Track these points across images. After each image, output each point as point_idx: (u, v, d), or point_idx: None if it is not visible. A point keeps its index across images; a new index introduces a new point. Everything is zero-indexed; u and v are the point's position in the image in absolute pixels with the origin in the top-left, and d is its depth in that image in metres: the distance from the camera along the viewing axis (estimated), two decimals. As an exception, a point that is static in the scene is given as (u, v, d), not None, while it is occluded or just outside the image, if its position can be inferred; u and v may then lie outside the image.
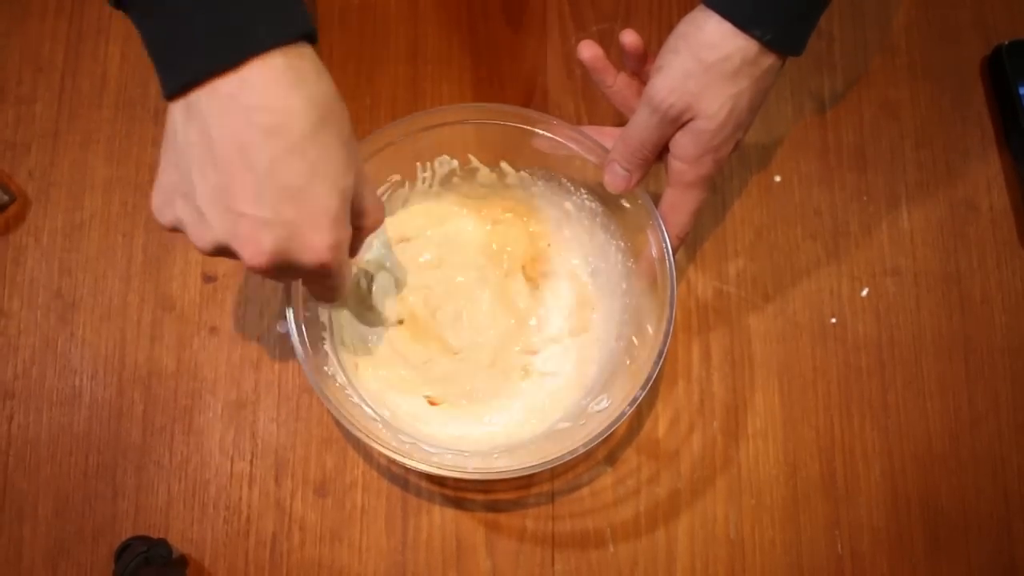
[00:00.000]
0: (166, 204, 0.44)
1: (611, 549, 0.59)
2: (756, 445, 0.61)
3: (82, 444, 0.60)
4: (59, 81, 0.67)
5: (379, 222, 0.49)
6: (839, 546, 0.59)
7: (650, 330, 0.56)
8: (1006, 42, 0.68)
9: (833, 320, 0.64)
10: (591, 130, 0.58)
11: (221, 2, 0.40)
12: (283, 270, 0.43)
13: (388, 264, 0.62)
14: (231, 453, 0.60)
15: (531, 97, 0.68)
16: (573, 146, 0.58)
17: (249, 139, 0.40)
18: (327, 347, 0.58)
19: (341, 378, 0.57)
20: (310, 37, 0.42)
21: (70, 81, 0.67)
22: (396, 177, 0.61)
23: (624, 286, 0.61)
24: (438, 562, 0.58)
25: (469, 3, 0.70)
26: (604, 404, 0.56)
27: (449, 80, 0.68)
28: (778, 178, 0.66)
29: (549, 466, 0.52)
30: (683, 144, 0.53)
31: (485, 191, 0.63)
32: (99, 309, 0.63)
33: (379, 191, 0.60)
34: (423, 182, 0.62)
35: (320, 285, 0.47)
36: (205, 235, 0.42)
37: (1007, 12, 0.70)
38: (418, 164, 0.61)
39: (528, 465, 0.53)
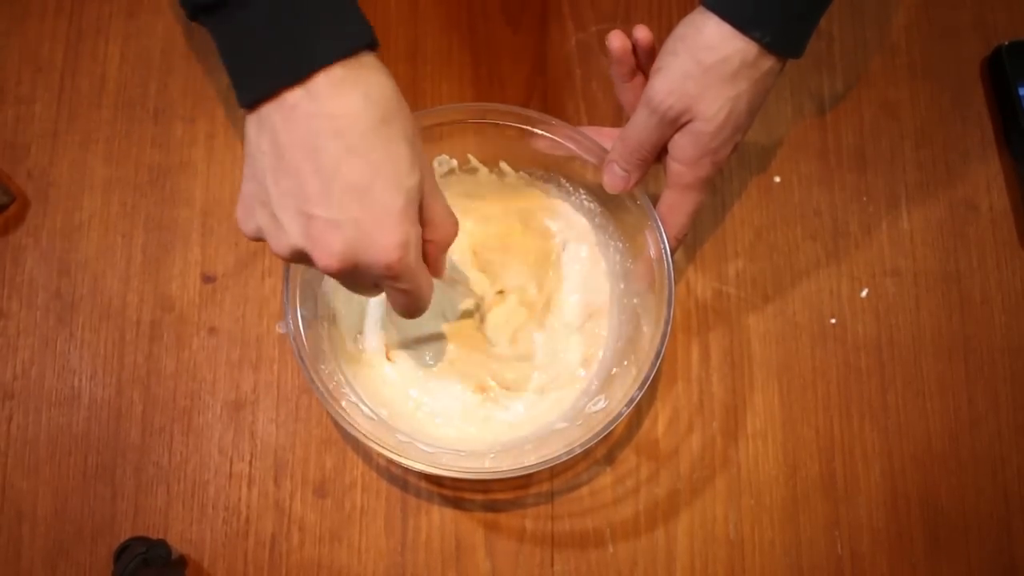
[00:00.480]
0: (248, 214, 0.46)
1: (610, 549, 0.59)
2: (756, 445, 0.61)
3: (81, 444, 0.60)
4: (58, 81, 0.67)
5: (449, 234, 0.48)
6: (839, 546, 0.59)
7: (648, 331, 0.56)
8: (1006, 42, 0.68)
9: (833, 320, 0.63)
10: (590, 130, 0.58)
11: (288, 17, 0.42)
12: (354, 272, 0.44)
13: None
14: (230, 454, 0.60)
15: (531, 97, 0.67)
16: (572, 146, 0.58)
17: (314, 143, 0.42)
18: (325, 347, 0.58)
19: (339, 378, 0.57)
20: (371, 46, 0.44)
21: (69, 81, 0.67)
22: None
23: (622, 287, 0.61)
24: (437, 562, 0.58)
25: (469, 3, 0.70)
26: (602, 404, 0.56)
27: (449, 80, 0.68)
28: (778, 179, 0.66)
29: (546, 466, 0.52)
30: (681, 146, 0.52)
31: (484, 191, 0.63)
32: (98, 309, 0.63)
33: None
34: None
35: (395, 291, 0.47)
36: (282, 240, 0.44)
37: (1007, 12, 0.70)
38: None
39: (524, 465, 0.53)
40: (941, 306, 0.64)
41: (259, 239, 0.46)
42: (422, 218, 0.46)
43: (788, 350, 0.63)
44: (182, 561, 0.58)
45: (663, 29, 0.68)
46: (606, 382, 0.58)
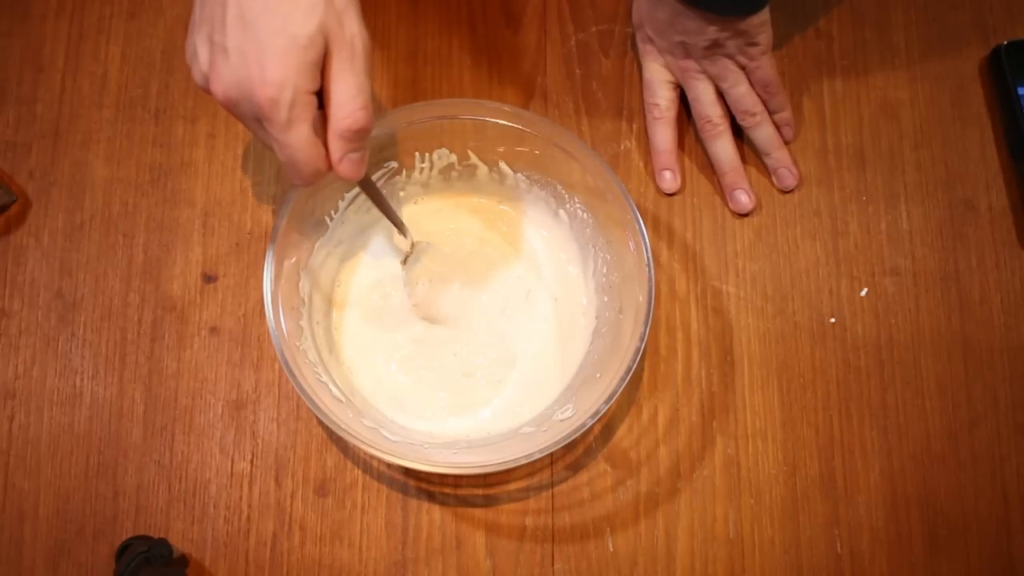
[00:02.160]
0: (189, 43, 0.48)
1: (611, 548, 0.59)
2: (755, 445, 0.61)
3: (83, 444, 0.60)
4: (60, 81, 0.67)
5: (351, 122, 0.46)
6: (838, 545, 0.60)
7: (624, 345, 0.56)
8: (1005, 42, 0.68)
9: (832, 320, 0.64)
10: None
11: None
12: (239, 107, 0.46)
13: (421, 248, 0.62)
14: (231, 453, 0.60)
15: (531, 97, 0.68)
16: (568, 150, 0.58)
17: None
18: (303, 323, 0.58)
19: (313, 355, 0.57)
20: None
21: (71, 81, 0.67)
22: (393, 164, 0.61)
23: (606, 299, 0.61)
24: (438, 562, 0.59)
25: (469, 3, 0.70)
26: (569, 413, 0.57)
27: (449, 80, 0.68)
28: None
29: (503, 467, 0.53)
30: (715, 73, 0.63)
31: (481, 190, 0.64)
32: (99, 309, 0.63)
33: (375, 176, 0.61)
34: (420, 172, 0.62)
35: (275, 144, 0.46)
36: (196, 69, 0.47)
37: (1006, 12, 0.70)
38: (416, 154, 0.61)
39: (485, 462, 0.53)
40: (940, 306, 0.64)
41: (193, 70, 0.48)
42: (325, 93, 0.46)
43: (788, 349, 0.63)
44: (183, 560, 0.58)
45: (663, 29, 0.68)
46: (577, 391, 0.58)
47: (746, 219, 0.65)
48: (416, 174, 0.62)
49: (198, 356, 0.62)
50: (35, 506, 0.59)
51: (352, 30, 0.46)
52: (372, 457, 0.60)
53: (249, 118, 0.47)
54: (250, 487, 0.60)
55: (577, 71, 0.68)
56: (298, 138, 0.46)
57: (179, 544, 0.58)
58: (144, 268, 0.63)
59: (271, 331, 0.54)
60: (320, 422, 0.61)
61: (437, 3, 0.70)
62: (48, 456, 0.60)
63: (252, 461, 0.60)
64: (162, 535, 0.58)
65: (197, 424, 0.61)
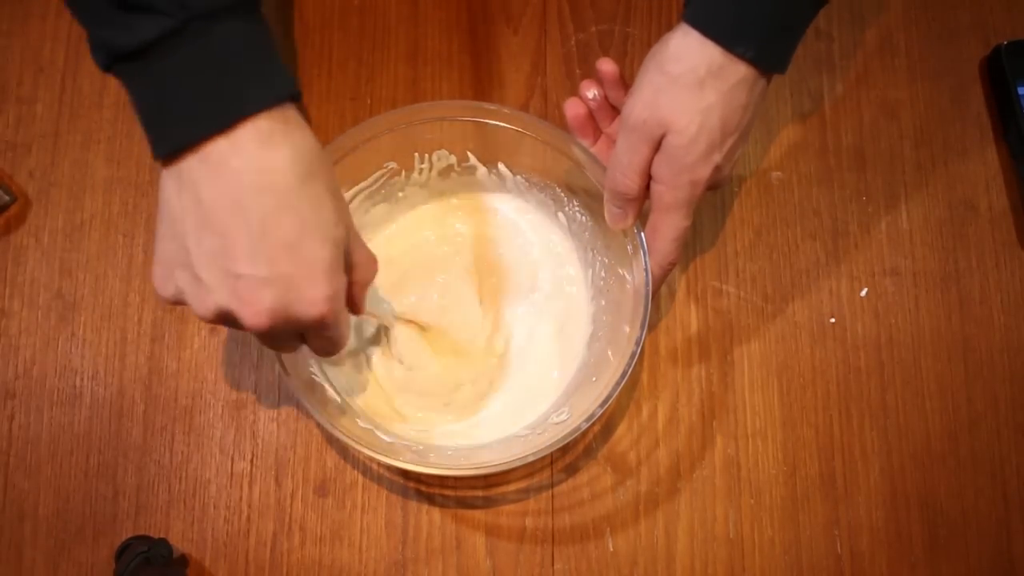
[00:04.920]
0: (166, 277, 0.44)
1: (611, 548, 0.59)
2: (755, 445, 0.61)
3: (83, 444, 0.60)
4: (60, 81, 0.67)
5: (371, 274, 0.49)
6: (838, 546, 0.60)
7: (620, 349, 0.55)
8: (1005, 42, 0.68)
9: (832, 320, 0.64)
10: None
11: (209, 69, 0.41)
12: (283, 328, 0.44)
13: (394, 314, 0.61)
14: (231, 453, 0.60)
15: (531, 97, 0.68)
16: (570, 153, 0.58)
17: (242, 200, 0.41)
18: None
19: (310, 356, 0.57)
20: (294, 97, 0.43)
21: (71, 81, 0.67)
22: (393, 164, 0.61)
23: (603, 303, 0.61)
24: (438, 561, 0.59)
25: (469, 3, 0.70)
26: (564, 417, 0.57)
27: (449, 80, 0.68)
28: (777, 178, 0.66)
29: (497, 470, 0.53)
30: (659, 164, 0.52)
31: (480, 191, 0.64)
32: (100, 309, 0.63)
33: (375, 175, 0.61)
34: (420, 173, 0.62)
35: (320, 339, 0.47)
36: (206, 301, 0.43)
37: (1006, 12, 0.70)
38: (416, 155, 0.61)
39: (481, 464, 0.53)
40: (940, 306, 0.64)
41: (179, 303, 0.45)
42: (346, 262, 0.46)
43: (787, 349, 0.63)
44: (183, 560, 0.58)
45: (663, 29, 0.68)
46: (573, 395, 0.58)
47: (746, 219, 0.65)
48: (415, 175, 0.62)
49: (198, 356, 0.62)
50: (35, 506, 0.59)
51: (341, 194, 0.47)
52: (371, 458, 0.60)
53: (287, 336, 0.46)
54: (250, 487, 0.60)
55: (577, 71, 0.68)
56: (345, 324, 0.47)
57: (179, 544, 0.58)
58: (144, 268, 0.63)
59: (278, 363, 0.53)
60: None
61: (437, 3, 0.70)
62: (48, 456, 0.60)
63: (252, 461, 0.60)
64: (162, 535, 0.58)
65: (197, 424, 0.61)
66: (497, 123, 0.58)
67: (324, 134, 0.66)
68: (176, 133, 0.41)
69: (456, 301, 0.62)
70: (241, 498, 0.59)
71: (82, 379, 0.61)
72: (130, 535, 0.58)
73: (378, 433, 0.56)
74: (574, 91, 0.67)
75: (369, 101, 0.67)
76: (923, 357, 0.63)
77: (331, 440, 0.61)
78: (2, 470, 0.60)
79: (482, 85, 0.68)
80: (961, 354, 0.63)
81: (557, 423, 0.56)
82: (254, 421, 0.61)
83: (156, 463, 0.60)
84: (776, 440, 0.61)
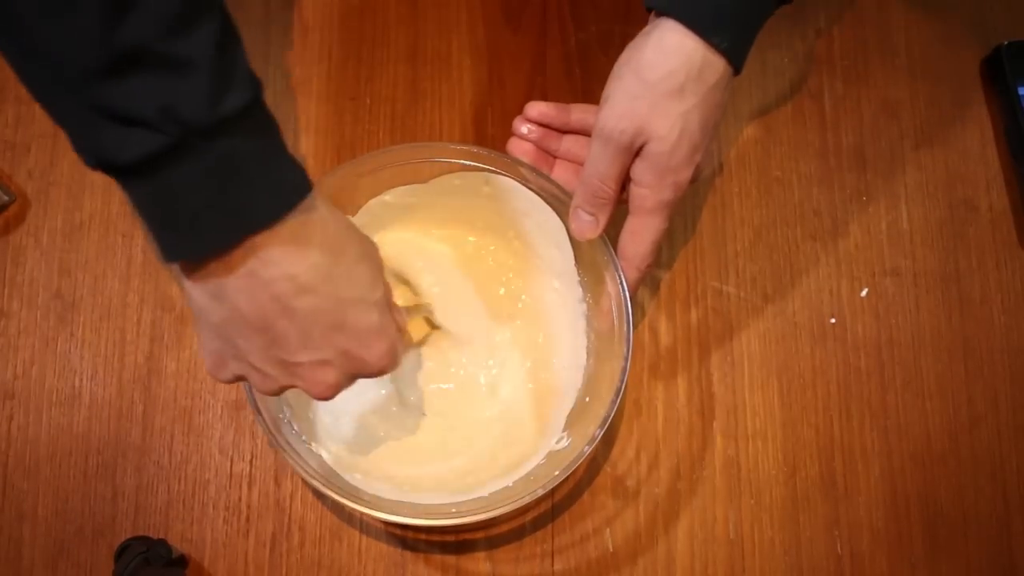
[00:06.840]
0: (220, 366, 0.46)
1: (610, 549, 0.59)
2: (755, 445, 0.61)
3: (82, 444, 0.60)
4: (59, 81, 0.67)
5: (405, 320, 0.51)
6: (838, 546, 0.59)
7: (610, 366, 0.55)
8: (1005, 43, 0.68)
9: (832, 320, 0.64)
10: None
11: (214, 186, 0.38)
12: (350, 384, 0.47)
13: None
14: (231, 453, 0.60)
15: (531, 97, 0.67)
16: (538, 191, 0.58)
17: (282, 304, 0.41)
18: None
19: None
20: (308, 190, 0.41)
21: (70, 81, 0.67)
22: None
23: (583, 324, 0.60)
24: (438, 562, 0.58)
25: (469, 3, 0.70)
26: (564, 443, 0.56)
27: (449, 81, 0.68)
28: (777, 178, 0.66)
29: (508, 509, 0.52)
30: (641, 170, 0.51)
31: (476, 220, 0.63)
32: (99, 309, 0.63)
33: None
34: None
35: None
36: (271, 385, 0.45)
37: (1006, 13, 0.70)
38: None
39: (487, 509, 0.52)
40: (941, 306, 0.64)
41: (241, 379, 0.46)
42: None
43: (788, 350, 0.63)
44: (183, 560, 0.58)
45: (663, 29, 0.68)
46: (569, 419, 0.58)
47: (746, 219, 0.65)
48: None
49: (197, 356, 0.62)
50: (34, 506, 0.59)
51: (374, 250, 0.48)
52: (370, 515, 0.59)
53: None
54: (249, 487, 0.60)
55: (577, 71, 0.68)
56: (402, 354, 0.49)
57: (178, 544, 0.58)
58: (143, 268, 0.63)
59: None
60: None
61: (437, 3, 0.70)
62: (47, 456, 0.60)
63: (251, 461, 0.60)
64: (161, 535, 0.58)
65: (196, 424, 0.61)
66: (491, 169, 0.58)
67: (324, 134, 0.66)
68: (188, 246, 0.39)
69: (463, 305, 0.62)
70: (240, 498, 0.59)
71: (81, 379, 0.61)
72: (129, 535, 0.58)
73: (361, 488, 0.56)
74: (574, 91, 0.68)
75: (368, 101, 0.67)
76: (923, 357, 0.63)
77: (331, 440, 0.60)
78: (1, 470, 0.60)
79: (482, 86, 0.68)
80: (961, 354, 0.63)
81: (558, 450, 0.56)
82: (253, 421, 0.61)
83: (155, 463, 0.60)
84: (776, 440, 0.61)
